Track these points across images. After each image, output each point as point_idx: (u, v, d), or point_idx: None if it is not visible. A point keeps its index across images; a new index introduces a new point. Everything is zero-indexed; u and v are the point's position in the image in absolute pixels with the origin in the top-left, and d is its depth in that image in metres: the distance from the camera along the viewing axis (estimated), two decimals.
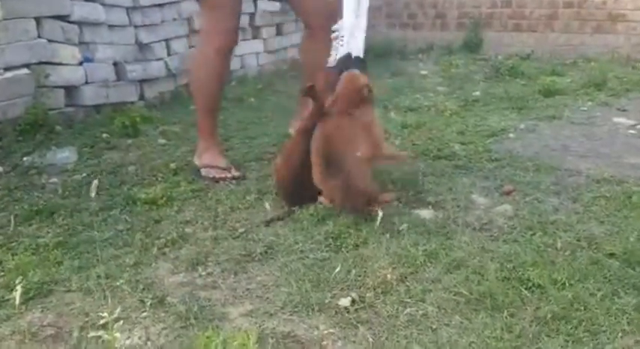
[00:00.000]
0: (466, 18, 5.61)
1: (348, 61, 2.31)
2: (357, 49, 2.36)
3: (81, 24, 3.45)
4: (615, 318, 1.51)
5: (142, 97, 3.87)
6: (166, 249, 1.92)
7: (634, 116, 3.56)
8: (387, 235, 1.99)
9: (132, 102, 3.76)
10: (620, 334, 1.45)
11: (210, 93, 2.58)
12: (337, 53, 2.37)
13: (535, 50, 5.30)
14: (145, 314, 1.56)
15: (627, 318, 1.51)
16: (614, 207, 2.17)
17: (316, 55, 2.55)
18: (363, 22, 2.39)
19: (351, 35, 2.36)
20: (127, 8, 3.73)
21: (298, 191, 2.17)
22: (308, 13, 2.72)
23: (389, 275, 1.73)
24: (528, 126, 3.33)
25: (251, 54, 4.97)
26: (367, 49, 6.30)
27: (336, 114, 2.18)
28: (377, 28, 5.93)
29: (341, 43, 2.36)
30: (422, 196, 2.34)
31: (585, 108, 3.76)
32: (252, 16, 4.87)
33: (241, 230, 2.04)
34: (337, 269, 1.74)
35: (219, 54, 2.49)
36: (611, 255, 1.82)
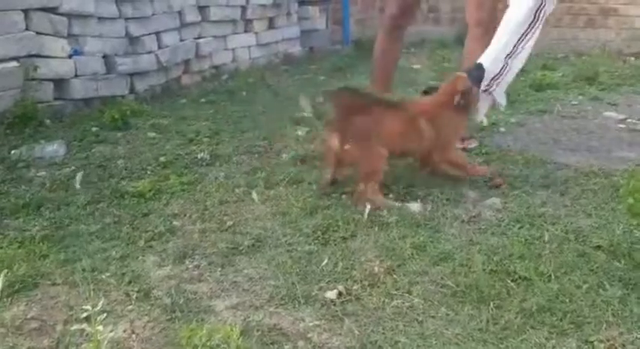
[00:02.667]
0: (459, 12, 5.58)
1: (470, 68, 2.36)
2: (488, 57, 2.35)
3: (70, 16, 3.41)
4: (600, 310, 1.52)
5: (132, 91, 3.84)
6: (153, 242, 1.91)
7: (624, 110, 3.58)
8: (376, 228, 1.99)
9: (122, 96, 3.72)
10: (604, 326, 1.46)
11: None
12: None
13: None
14: (130, 307, 1.56)
15: (612, 310, 1.52)
16: (601, 200, 2.18)
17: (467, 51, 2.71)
18: (512, 35, 2.33)
19: (497, 42, 2.34)
20: (117, 0, 3.69)
21: None
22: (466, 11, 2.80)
23: (376, 268, 1.73)
24: (519, 120, 3.34)
25: (243, 47, 4.94)
26: (361, 44, 6.28)
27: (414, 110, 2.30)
28: (370, 22, 5.91)
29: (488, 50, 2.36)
30: (412, 189, 2.34)
31: (576, 102, 3.77)
32: (243, 9, 4.84)
33: (229, 223, 2.04)
34: (324, 262, 1.74)
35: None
36: (598, 247, 1.83)
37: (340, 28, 6.00)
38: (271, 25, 5.23)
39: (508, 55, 2.34)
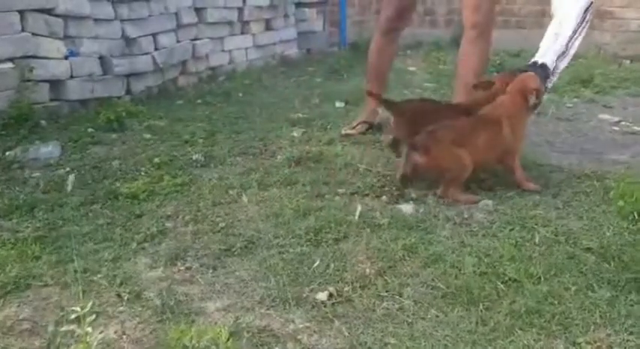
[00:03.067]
0: (455, 14, 5.62)
1: (533, 66, 2.34)
2: (546, 56, 2.35)
3: (66, 17, 3.42)
4: (588, 312, 1.53)
5: (128, 92, 3.85)
6: (146, 244, 1.92)
7: (618, 113, 3.60)
8: (368, 230, 2.00)
9: (118, 97, 3.73)
10: (592, 327, 1.47)
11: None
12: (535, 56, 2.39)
13: (524, 47, 5.31)
14: (121, 308, 1.56)
15: (600, 312, 1.52)
16: (593, 203, 2.19)
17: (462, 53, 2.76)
18: (567, 30, 2.36)
19: (555, 39, 2.35)
20: (113, 2, 3.70)
21: None
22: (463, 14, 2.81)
23: (367, 270, 1.74)
24: None
25: (240, 49, 4.95)
26: (358, 46, 6.29)
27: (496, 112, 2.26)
28: (367, 24, 5.93)
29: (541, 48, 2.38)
30: (405, 191, 2.35)
31: (571, 105, 3.79)
32: (240, 11, 4.85)
33: (222, 224, 2.04)
34: (316, 264, 1.75)
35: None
36: (588, 249, 1.84)
37: (337, 30, 6.02)
38: (268, 26, 5.24)
39: (559, 56, 2.36)
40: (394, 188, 2.37)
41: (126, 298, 1.60)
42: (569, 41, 2.36)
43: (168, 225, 2.06)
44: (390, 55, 3.19)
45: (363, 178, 2.47)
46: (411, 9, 3.17)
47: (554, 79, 2.42)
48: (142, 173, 2.54)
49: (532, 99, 2.25)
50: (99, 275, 1.71)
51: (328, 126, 3.21)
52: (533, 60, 2.37)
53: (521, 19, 5.58)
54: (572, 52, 2.38)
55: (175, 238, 1.96)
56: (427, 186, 2.34)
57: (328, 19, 5.95)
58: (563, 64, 2.39)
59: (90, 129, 3.17)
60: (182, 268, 1.78)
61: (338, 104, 3.80)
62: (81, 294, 1.55)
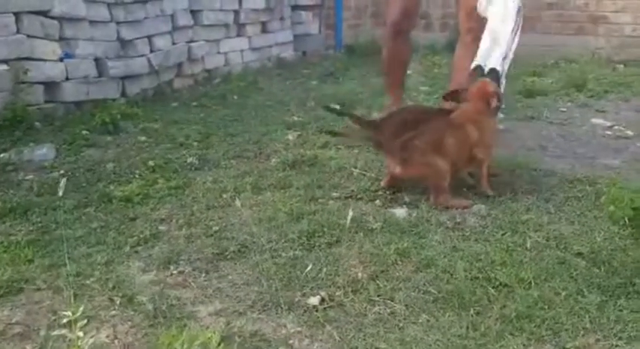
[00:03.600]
0: (450, 18, 5.64)
1: (484, 71, 2.38)
2: (494, 59, 2.39)
3: (61, 19, 3.42)
4: (578, 317, 1.54)
5: (123, 94, 3.84)
6: (139, 247, 1.92)
7: (611, 117, 3.62)
8: (361, 234, 2.01)
9: (113, 99, 3.72)
10: (582, 332, 1.48)
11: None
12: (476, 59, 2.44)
13: (517, 51, 5.34)
14: (113, 312, 1.57)
15: (589, 317, 1.54)
16: (585, 208, 2.21)
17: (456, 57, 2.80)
18: (506, 33, 2.41)
19: (493, 42, 2.40)
20: (109, 4, 3.70)
21: None
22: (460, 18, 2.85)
23: (360, 274, 1.75)
24: (508, 126, 3.36)
25: (235, 51, 4.96)
26: (353, 49, 6.31)
27: (461, 118, 2.31)
28: (362, 27, 5.95)
29: (481, 51, 2.43)
30: (398, 195, 2.36)
31: (564, 109, 3.81)
32: (236, 13, 4.86)
33: (215, 228, 2.05)
34: (309, 268, 1.76)
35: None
36: (579, 254, 1.86)
37: (333, 32, 6.03)
38: (264, 29, 5.25)
39: (503, 58, 2.42)
40: (388, 192, 2.38)
41: (118, 302, 1.60)
42: (509, 44, 2.42)
43: (162, 228, 2.07)
44: (403, 60, 3.16)
45: (357, 182, 2.48)
46: (416, 9, 3.17)
47: (504, 82, 2.48)
48: (136, 176, 2.54)
49: (494, 103, 2.32)
50: (91, 279, 1.71)
51: (323, 130, 3.22)
52: (476, 63, 2.40)
53: None
54: (511, 55, 2.45)
55: (169, 242, 1.97)
56: (421, 191, 2.35)
57: (324, 22, 5.97)
58: (506, 67, 2.46)
59: (85, 132, 3.17)
60: (175, 272, 1.78)
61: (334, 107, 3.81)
62: (72, 298, 1.55)
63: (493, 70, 2.38)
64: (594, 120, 3.55)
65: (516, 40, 2.45)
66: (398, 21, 3.02)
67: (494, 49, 2.40)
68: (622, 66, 5.17)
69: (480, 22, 2.77)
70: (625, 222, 1.99)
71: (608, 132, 3.33)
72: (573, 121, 3.54)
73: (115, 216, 2.15)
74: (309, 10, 5.76)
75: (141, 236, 1.98)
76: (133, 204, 2.25)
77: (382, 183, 2.42)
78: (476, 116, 2.33)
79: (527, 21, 5.48)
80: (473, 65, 2.42)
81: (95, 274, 1.74)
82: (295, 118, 3.51)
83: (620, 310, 1.57)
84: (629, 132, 3.29)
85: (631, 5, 5.22)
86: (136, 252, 1.90)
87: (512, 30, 2.43)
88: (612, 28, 5.31)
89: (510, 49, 2.44)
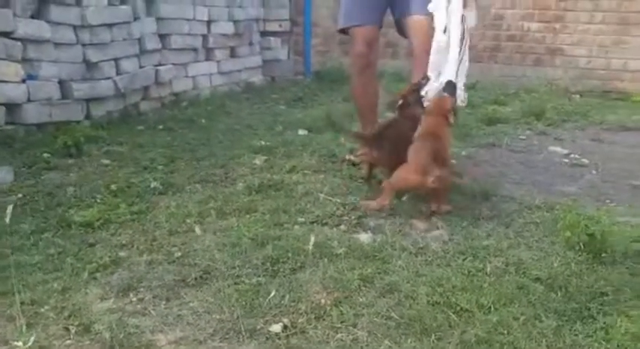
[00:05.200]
0: None
1: (447, 85, 2.56)
2: (449, 72, 2.57)
3: (25, 41, 3.37)
4: (535, 342, 1.57)
5: (88, 116, 3.79)
6: (98, 274, 1.87)
7: (568, 145, 3.76)
8: (325, 259, 2.01)
9: (77, 121, 3.67)
10: None
11: None
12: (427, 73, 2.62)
13: (480, 80, 5.52)
14: (68, 341, 1.52)
15: (546, 341, 1.57)
16: (542, 233, 2.27)
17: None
18: (456, 47, 2.58)
19: (442, 57, 2.58)
20: (75, 27, 3.67)
21: None
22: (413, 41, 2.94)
23: (323, 300, 1.74)
24: (469, 153, 3.45)
25: (204, 75, 4.97)
26: (322, 75, 6.39)
27: (423, 128, 2.48)
28: (331, 54, 6.06)
29: (431, 65, 2.61)
30: (363, 220, 2.38)
31: (524, 137, 3.94)
32: (205, 38, 4.89)
33: (178, 254, 2.02)
34: (272, 295, 1.74)
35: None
36: (537, 279, 1.90)
37: (302, 59, 6.12)
38: (233, 54, 5.29)
39: (457, 73, 2.61)
40: (353, 217, 2.40)
41: (73, 331, 1.55)
42: (459, 61, 2.60)
43: (122, 254, 2.02)
44: (374, 94, 3.21)
45: (323, 207, 2.49)
46: (377, 39, 3.25)
47: (465, 94, 2.67)
48: (98, 200, 2.50)
49: (452, 118, 2.51)
50: (46, 307, 1.66)
51: (290, 154, 3.24)
52: (447, 79, 2.56)
53: (478, 54, 5.82)
54: (464, 70, 2.64)
55: (129, 268, 1.93)
56: (385, 215, 2.38)
57: (293, 48, 6.06)
58: (461, 82, 2.64)
59: (46, 155, 3.10)
60: (134, 299, 1.74)
61: (301, 132, 3.85)
62: (25, 327, 1.50)
63: (452, 83, 2.55)
64: (552, 148, 3.68)
65: (467, 52, 2.63)
66: (365, 52, 3.08)
67: (450, 64, 2.57)
68: (578, 96, 5.40)
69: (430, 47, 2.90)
70: (580, 247, 2.06)
71: (565, 160, 3.45)
72: (532, 149, 3.66)
73: (74, 242, 2.10)
74: (278, 37, 5.84)
75: (100, 262, 1.93)
76: (93, 229, 2.20)
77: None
78: (438, 131, 2.48)
79: (489, 52, 5.75)
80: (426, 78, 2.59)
81: (50, 302, 1.69)
82: (263, 143, 3.52)
83: (576, 334, 1.61)
84: (585, 160, 3.42)
85: (586, 39, 5.48)
86: (95, 278, 1.85)
87: (460, 48, 2.59)
88: (568, 60, 5.56)
89: (460, 66, 2.60)
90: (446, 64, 2.59)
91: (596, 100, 5.24)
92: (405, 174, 2.41)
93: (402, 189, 2.51)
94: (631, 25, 5.33)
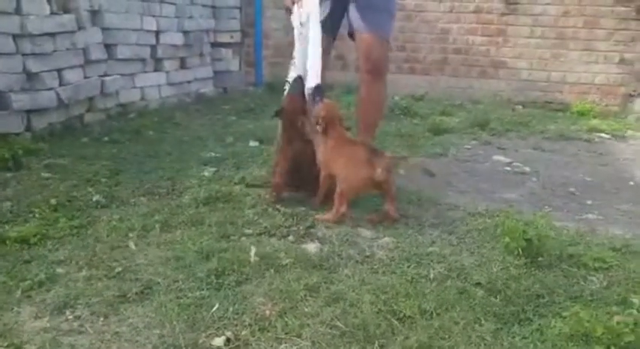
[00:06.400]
0: None
1: (316, 90, 2.63)
2: (315, 76, 2.64)
3: None
4: (475, 345, 1.61)
5: (28, 128, 3.64)
6: (32, 292, 1.79)
7: (511, 154, 3.90)
8: (272, 270, 2.00)
9: (17, 134, 3.52)
10: None
11: None
12: (290, 75, 2.71)
13: (428, 92, 5.68)
14: None
15: (485, 344, 1.61)
16: (484, 239, 2.34)
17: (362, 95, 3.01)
18: (316, 50, 2.66)
19: (304, 60, 2.66)
20: (15, 36, 3.54)
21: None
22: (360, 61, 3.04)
23: (267, 312, 1.73)
24: (417, 162, 3.52)
25: (152, 86, 4.88)
26: (273, 86, 6.38)
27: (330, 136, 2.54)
28: (282, 65, 6.07)
29: (293, 67, 2.72)
30: (311, 230, 2.38)
31: (469, 147, 4.06)
32: (153, 48, 4.81)
33: (119, 269, 1.96)
34: (215, 308, 1.72)
35: None
36: (478, 284, 1.95)
37: (253, 70, 6.12)
38: (183, 64, 5.23)
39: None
40: (301, 227, 2.40)
41: None
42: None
43: (60, 270, 1.95)
44: None
45: (271, 218, 2.48)
46: (329, 52, 3.29)
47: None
48: (36, 215, 2.40)
49: (322, 124, 2.57)
50: None
51: (240, 166, 3.21)
52: (312, 83, 2.65)
53: (426, 66, 5.99)
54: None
55: (66, 285, 1.85)
56: (333, 225, 2.40)
57: (244, 59, 6.05)
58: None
59: None
60: (70, 317, 1.67)
61: (252, 143, 3.83)
62: None
63: (319, 87, 2.63)
64: (495, 157, 3.81)
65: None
66: None
67: (315, 70, 2.67)
68: (521, 107, 5.64)
69: (379, 63, 2.97)
70: (519, 252, 2.13)
71: (508, 168, 3.57)
72: (477, 158, 3.77)
73: (8, 259, 2.00)
74: (229, 48, 5.82)
75: (35, 279, 1.85)
76: (29, 245, 2.11)
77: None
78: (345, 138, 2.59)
79: (437, 65, 5.93)
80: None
81: None
82: (212, 154, 3.48)
83: (513, 337, 1.67)
84: (527, 168, 3.55)
85: (526, 52, 5.73)
86: (29, 296, 1.77)
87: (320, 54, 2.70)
88: (511, 73, 5.80)
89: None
90: (307, 61, 2.66)
91: (537, 111, 5.48)
92: (353, 172, 2.42)
93: (353, 190, 2.47)
94: (568, 40, 5.61)
